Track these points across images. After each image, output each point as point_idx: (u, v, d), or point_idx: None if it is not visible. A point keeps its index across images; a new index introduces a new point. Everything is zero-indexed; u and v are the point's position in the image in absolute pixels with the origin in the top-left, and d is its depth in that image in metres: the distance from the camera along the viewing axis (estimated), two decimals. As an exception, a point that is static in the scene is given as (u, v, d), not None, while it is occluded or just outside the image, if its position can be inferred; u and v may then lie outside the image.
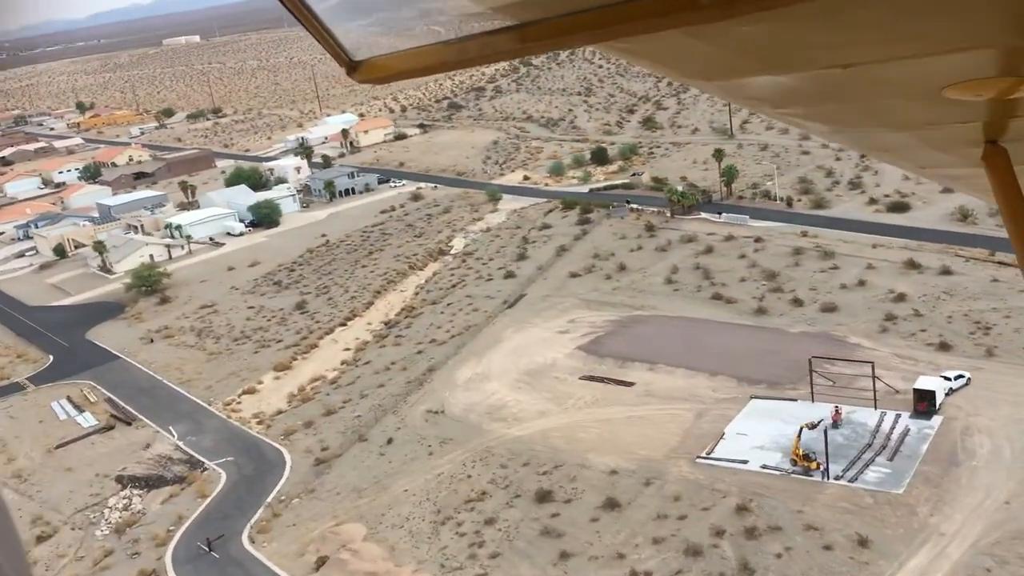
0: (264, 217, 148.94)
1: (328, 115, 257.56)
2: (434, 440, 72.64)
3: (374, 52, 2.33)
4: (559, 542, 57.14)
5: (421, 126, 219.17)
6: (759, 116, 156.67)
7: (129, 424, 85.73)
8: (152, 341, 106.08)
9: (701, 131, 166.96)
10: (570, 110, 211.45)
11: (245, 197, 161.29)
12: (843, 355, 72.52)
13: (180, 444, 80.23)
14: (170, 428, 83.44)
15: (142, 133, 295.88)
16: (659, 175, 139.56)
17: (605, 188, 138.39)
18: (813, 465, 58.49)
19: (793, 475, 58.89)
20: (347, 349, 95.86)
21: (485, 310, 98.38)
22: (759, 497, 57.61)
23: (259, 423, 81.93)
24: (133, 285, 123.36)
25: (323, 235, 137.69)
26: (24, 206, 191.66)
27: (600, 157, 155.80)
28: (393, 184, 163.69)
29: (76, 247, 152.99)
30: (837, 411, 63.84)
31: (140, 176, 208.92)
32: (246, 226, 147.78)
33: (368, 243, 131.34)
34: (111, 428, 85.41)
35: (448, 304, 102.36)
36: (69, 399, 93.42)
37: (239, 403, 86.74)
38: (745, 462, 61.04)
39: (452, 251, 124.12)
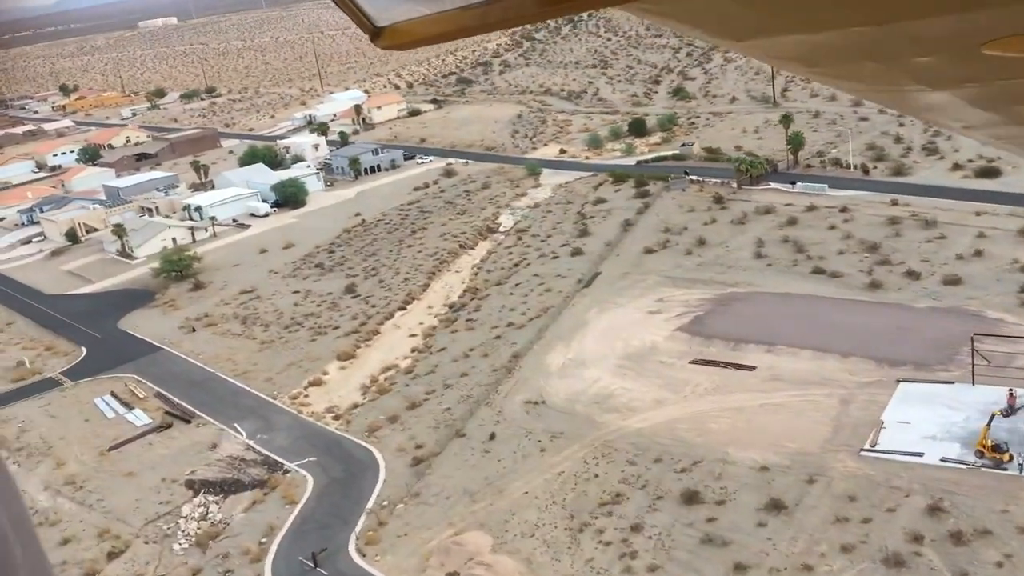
0: (289, 197, 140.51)
1: (331, 92, 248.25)
2: (542, 434, 65.40)
3: (397, 18, 2.34)
4: (727, 552, 50.15)
5: (434, 101, 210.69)
6: (801, 83, 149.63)
7: (188, 422, 77.87)
8: (194, 330, 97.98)
9: (740, 100, 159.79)
10: (590, 82, 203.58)
11: (265, 176, 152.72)
12: (987, 331, 65.81)
13: (251, 443, 72.51)
14: (235, 425, 75.68)
15: (134, 114, 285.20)
16: (707, 145, 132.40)
17: (654, 160, 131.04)
18: (1005, 457, 51.77)
19: (983, 468, 52.14)
20: (413, 335, 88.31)
21: (559, 290, 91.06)
22: (950, 495, 50.81)
23: (335, 418, 74.33)
24: (162, 270, 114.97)
25: (357, 214, 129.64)
26: (24, 190, 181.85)
27: (638, 129, 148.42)
28: (420, 160, 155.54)
29: (88, 232, 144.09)
30: (1012, 395, 57.10)
31: (142, 157, 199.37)
32: (271, 206, 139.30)
33: (408, 222, 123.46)
34: (168, 427, 77.54)
35: (516, 285, 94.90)
36: (114, 395, 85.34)
37: (307, 396, 79.06)
38: (920, 455, 54.22)
39: (501, 228, 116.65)
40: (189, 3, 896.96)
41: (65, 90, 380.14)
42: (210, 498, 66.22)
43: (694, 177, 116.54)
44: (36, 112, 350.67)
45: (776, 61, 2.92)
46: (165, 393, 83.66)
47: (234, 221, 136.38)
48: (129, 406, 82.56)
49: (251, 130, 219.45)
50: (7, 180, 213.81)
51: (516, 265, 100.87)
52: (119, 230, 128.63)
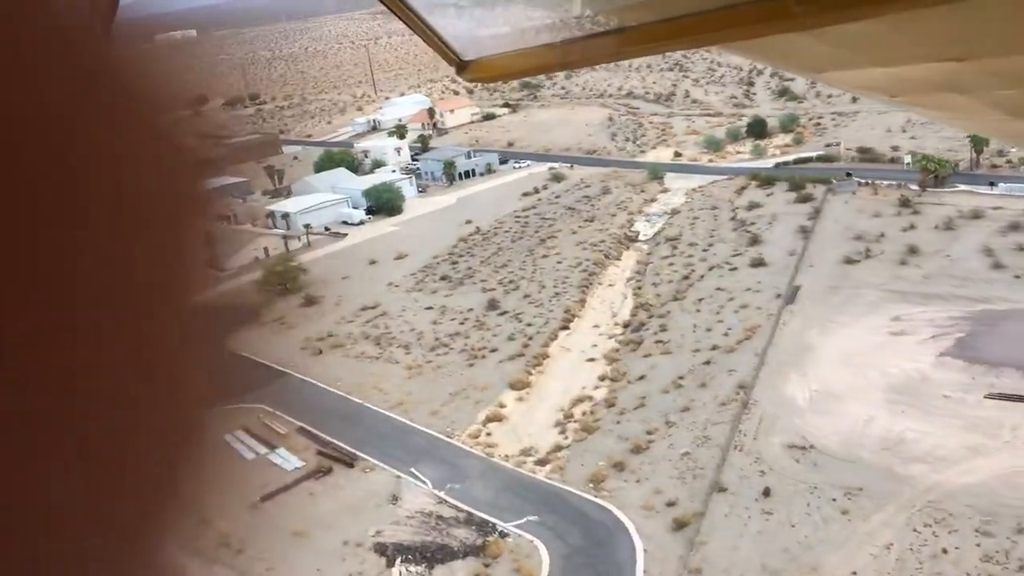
0: (384, 203, 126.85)
1: (387, 97, 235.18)
2: (833, 490, 51.39)
3: (481, 53, 2.44)
4: None
5: (507, 105, 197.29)
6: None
7: (351, 466, 63.93)
8: (321, 352, 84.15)
9: (863, 99, 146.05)
10: (674, 85, 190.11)
11: (350, 181, 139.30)
12: None
13: (442, 495, 58.57)
14: (413, 471, 61.75)
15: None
16: (855, 146, 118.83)
17: (795, 162, 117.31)
18: None
19: None
20: (591, 359, 74.47)
21: (757, 306, 77.16)
22: None
23: (539, 463, 60.37)
24: (265, 283, 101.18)
25: (468, 221, 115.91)
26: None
27: (758, 130, 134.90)
28: (516, 165, 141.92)
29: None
30: None
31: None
32: (365, 213, 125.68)
33: (531, 230, 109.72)
34: (327, 472, 63.61)
35: (699, 300, 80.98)
36: (247, 430, 71.41)
37: (489, 434, 65.16)
38: None
39: (640, 236, 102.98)
40: (210, 16, 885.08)
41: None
42: (412, 569, 52.23)
43: (860, 179, 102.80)
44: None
45: (857, 90, 2.94)
46: (311, 429, 69.75)
47: (326, 229, 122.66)
48: (270, 444, 68.63)
49: (309, 136, 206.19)
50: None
51: (686, 277, 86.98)
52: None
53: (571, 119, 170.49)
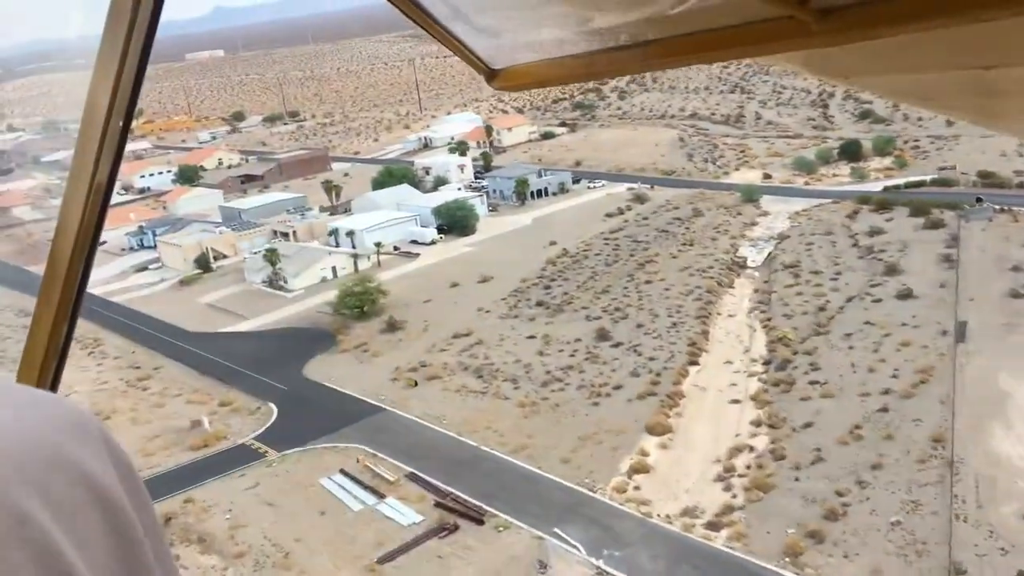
0: (456, 223, 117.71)
1: (433, 116, 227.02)
2: (1106, 576, 41.52)
3: (511, 62, 2.49)
4: None
5: (563, 124, 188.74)
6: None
7: (480, 522, 54.24)
8: (416, 384, 74.58)
9: (959, 123, 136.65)
10: (740, 107, 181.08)
11: (416, 199, 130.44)
12: None
13: (600, 565, 48.78)
14: (557, 531, 52.03)
15: (214, 138, 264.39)
16: (968, 169, 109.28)
17: (906, 186, 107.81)
18: None
19: None
20: (735, 400, 64.81)
21: (921, 344, 67.38)
22: None
23: (710, 527, 50.58)
24: (340, 306, 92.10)
25: (552, 243, 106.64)
26: (124, 211, 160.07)
27: (853, 152, 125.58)
28: (591, 185, 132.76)
29: (216, 258, 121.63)
30: None
31: (248, 179, 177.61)
32: (438, 233, 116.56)
33: (623, 253, 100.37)
34: (453, 529, 53.91)
35: (848, 335, 71.28)
36: (346, 473, 61.94)
37: (637, 488, 55.42)
38: None
39: (749, 263, 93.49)
40: (235, 38, 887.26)
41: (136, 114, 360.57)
42: (586, 661, 42.42)
43: (990, 204, 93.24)
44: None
45: (886, 95, 2.82)
46: (423, 475, 60.14)
47: (395, 249, 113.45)
48: (378, 492, 59.04)
49: (356, 153, 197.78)
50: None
51: (822, 309, 77.32)
52: (272, 256, 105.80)
53: (637, 139, 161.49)
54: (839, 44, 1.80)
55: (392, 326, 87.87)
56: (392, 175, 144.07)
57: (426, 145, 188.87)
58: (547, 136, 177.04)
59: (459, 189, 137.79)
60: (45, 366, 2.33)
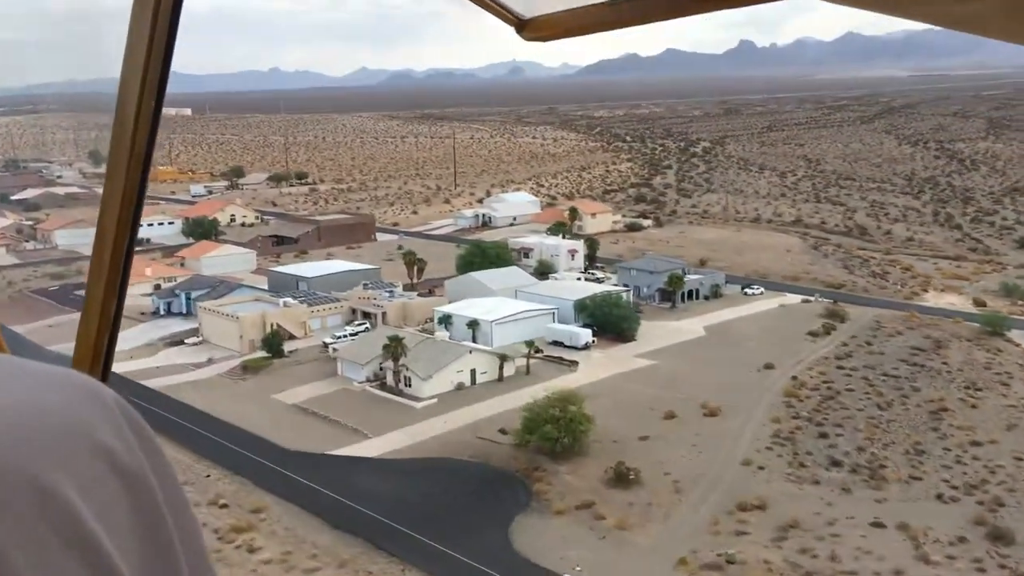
0: (610, 324, 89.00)
1: (488, 193, 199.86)
2: None
3: (540, 11, 2.42)
4: None
5: (643, 216, 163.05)
6: None
7: None
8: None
9: None
10: (850, 217, 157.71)
11: (533, 286, 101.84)
12: None
13: None
14: None
15: (210, 192, 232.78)
16: None
17: None
18: None
19: None
20: None
21: None
22: None
23: None
24: (529, 435, 62.23)
25: (766, 366, 78.65)
26: (140, 266, 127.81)
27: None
28: (749, 291, 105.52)
29: (288, 338, 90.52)
30: None
31: (281, 241, 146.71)
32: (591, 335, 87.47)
33: (886, 392, 72.88)
34: None
35: None
36: None
37: None
38: None
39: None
40: (192, 102, 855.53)
41: (97, 158, 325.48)
42: None
43: None
44: (59, 176, 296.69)
45: (943, 23, 2.38)
46: None
47: (536, 351, 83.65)
48: None
49: (396, 224, 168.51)
50: (74, 249, 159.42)
51: None
52: (396, 348, 75.13)
53: (753, 242, 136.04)
54: None
55: (621, 476, 58.03)
56: (485, 255, 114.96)
57: (486, 223, 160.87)
58: (633, 228, 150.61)
59: (580, 278, 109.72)
60: (98, 346, 2.44)
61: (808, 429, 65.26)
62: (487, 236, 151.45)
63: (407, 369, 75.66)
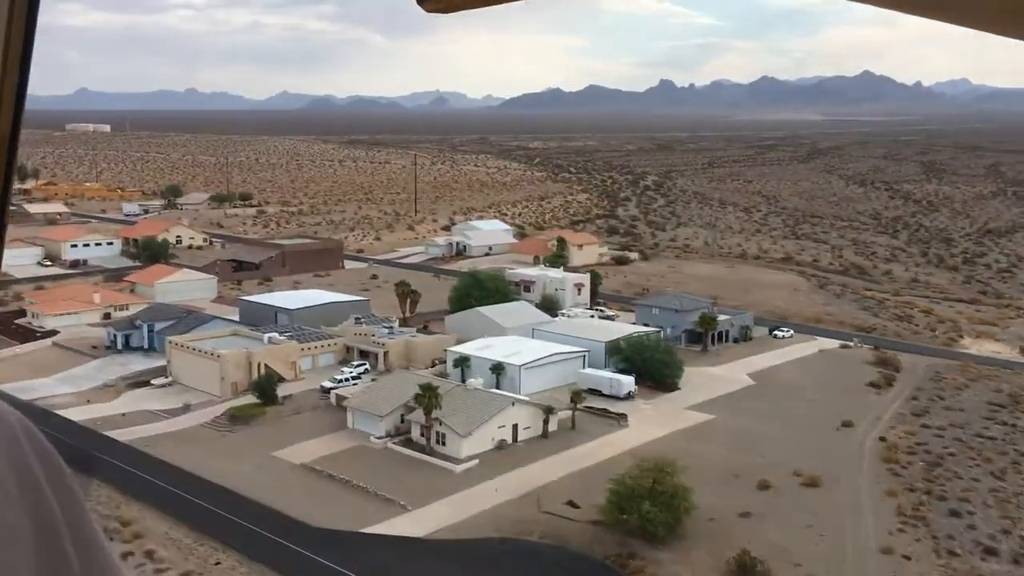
0: (650, 369, 78.07)
1: (434, 218, 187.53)
2: None
3: None
4: None
5: (627, 248, 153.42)
6: None
7: None
8: None
9: None
10: (840, 255, 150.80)
11: (549, 324, 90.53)
12: None
13: None
14: None
15: (146, 212, 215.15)
16: None
17: None
18: None
19: None
20: None
21: None
22: None
23: None
24: (618, 511, 50.69)
25: (845, 423, 68.78)
26: (78, 290, 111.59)
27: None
28: (778, 333, 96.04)
29: (278, 381, 76.91)
30: None
31: (241, 267, 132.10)
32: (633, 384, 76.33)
33: (999, 455, 63.61)
34: None
35: None
36: None
37: None
38: None
39: None
40: (107, 119, 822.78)
41: (21, 172, 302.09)
42: None
43: None
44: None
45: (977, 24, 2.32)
46: None
47: (573, 404, 71.94)
48: None
49: (360, 251, 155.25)
50: (2, 270, 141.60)
51: None
52: (430, 399, 62.59)
53: (751, 279, 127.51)
54: None
55: (745, 568, 46.84)
56: (482, 287, 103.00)
57: (460, 252, 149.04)
58: (621, 261, 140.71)
59: (593, 316, 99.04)
60: None
61: (933, 505, 55.30)
62: (462, 265, 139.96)
63: (440, 423, 63.28)
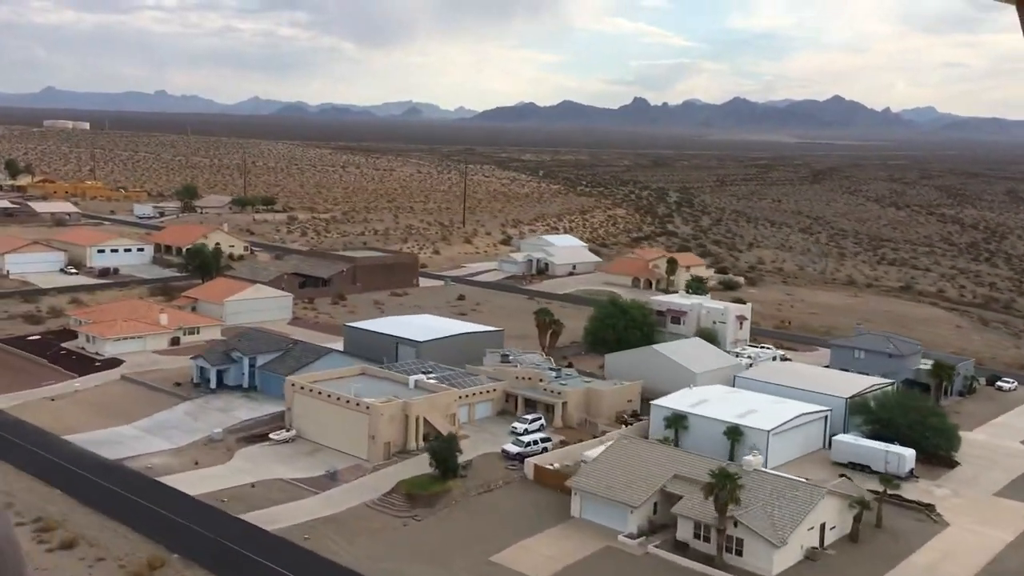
0: (917, 437, 60.08)
1: (488, 231, 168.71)
2: None
3: None
4: None
5: (722, 271, 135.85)
6: None
7: None
8: None
9: None
10: (962, 285, 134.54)
11: (748, 369, 72.33)
12: None
13: None
14: None
15: (162, 214, 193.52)
16: None
17: None
18: None
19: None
20: None
21: None
22: None
23: None
24: None
25: None
26: (140, 308, 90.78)
27: None
28: (1003, 385, 78.56)
29: (425, 437, 57.82)
30: None
31: (307, 282, 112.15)
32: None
33: None
34: None
35: None
36: None
37: None
38: None
39: None
40: (78, 117, 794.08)
41: (14, 168, 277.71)
42: None
43: None
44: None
45: None
46: None
47: (883, 493, 53.65)
48: None
49: (423, 266, 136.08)
50: (23, 277, 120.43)
51: None
52: (730, 490, 44.02)
53: (892, 311, 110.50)
54: None
55: None
56: (627, 317, 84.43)
57: (541, 270, 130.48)
58: (730, 286, 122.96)
59: (775, 358, 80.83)
60: None
61: None
62: (547, 286, 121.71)
63: (736, 524, 44.69)
